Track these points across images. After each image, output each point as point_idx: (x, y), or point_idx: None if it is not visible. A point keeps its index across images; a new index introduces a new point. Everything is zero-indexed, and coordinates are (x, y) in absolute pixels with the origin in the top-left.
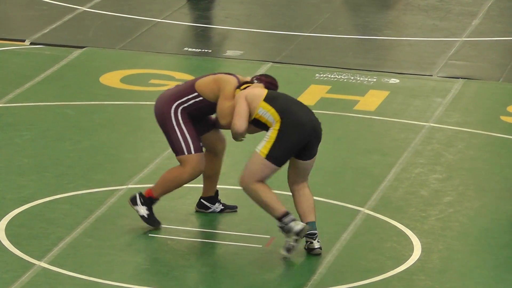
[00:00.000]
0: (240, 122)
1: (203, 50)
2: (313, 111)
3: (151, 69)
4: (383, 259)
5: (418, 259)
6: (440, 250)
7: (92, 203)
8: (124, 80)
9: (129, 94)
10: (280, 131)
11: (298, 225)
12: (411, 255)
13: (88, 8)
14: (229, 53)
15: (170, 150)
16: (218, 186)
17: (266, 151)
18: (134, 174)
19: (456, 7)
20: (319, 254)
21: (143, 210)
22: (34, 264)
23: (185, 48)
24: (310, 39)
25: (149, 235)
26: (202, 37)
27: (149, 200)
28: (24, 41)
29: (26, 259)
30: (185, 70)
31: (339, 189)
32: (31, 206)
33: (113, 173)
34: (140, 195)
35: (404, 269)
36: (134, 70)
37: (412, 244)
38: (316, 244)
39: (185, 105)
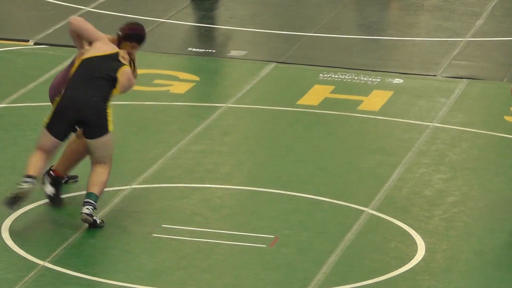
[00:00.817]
0: None
1: (207, 50)
2: (316, 111)
3: (155, 69)
4: (387, 259)
5: (422, 259)
6: (444, 250)
7: (98, 203)
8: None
9: (133, 94)
10: (58, 103)
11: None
12: (415, 255)
13: (92, 8)
14: (233, 53)
15: (174, 149)
16: (222, 186)
17: (47, 120)
18: (138, 174)
19: (460, 7)
20: (85, 220)
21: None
22: (38, 264)
23: (189, 48)
24: (314, 39)
25: (153, 235)
26: (206, 37)
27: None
28: (28, 41)
29: (30, 259)
30: (189, 70)
31: (343, 189)
32: (35, 206)
33: (117, 173)
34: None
35: (408, 269)
36: (138, 71)
37: (416, 244)
38: (85, 210)
39: None
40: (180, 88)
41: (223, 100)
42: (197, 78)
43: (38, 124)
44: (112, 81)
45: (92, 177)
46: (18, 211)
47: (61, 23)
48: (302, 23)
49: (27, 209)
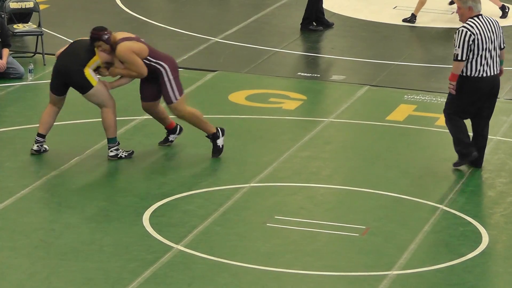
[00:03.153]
0: None
1: (313, 75)
2: (401, 125)
3: (271, 89)
4: (457, 246)
5: (487, 247)
6: (504, 240)
7: (221, 198)
8: (248, 98)
9: (252, 109)
10: None
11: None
12: (480, 244)
13: (220, 39)
14: (334, 77)
15: (285, 155)
16: (323, 186)
17: None
18: (255, 174)
19: None
20: (111, 159)
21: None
22: (173, 247)
23: (298, 73)
24: (401, 67)
25: (267, 224)
26: (312, 64)
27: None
28: None
29: (166, 243)
30: (298, 90)
31: (422, 189)
32: (171, 200)
33: (238, 174)
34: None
35: (475, 255)
36: (257, 90)
37: (481, 236)
38: (109, 153)
39: None
40: (291, 105)
41: (325, 116)
42: (304, 97)
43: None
44: None
45: (103, 124)
46: (157, 203)
47: (194, 51)
48: (391, 54)
49: (163, 202)
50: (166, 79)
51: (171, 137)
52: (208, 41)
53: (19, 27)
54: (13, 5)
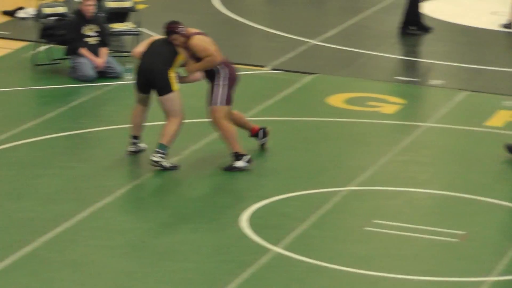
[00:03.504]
0: None
1: (411, 79)
2: (500, 131)
3: (369, 93)
4: None
5: None
6: None
7: (319, 201)
8: (347, 101)
9: (350, 113)
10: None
11: None
12: None
13: (318, 42)
14: (432, 82)
15: (383, 159)
16: (421, 190)
17: None
18: (354, 178)
19: None
20: (153, 165)
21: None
22: (270, 249)
23: (395, 77)
24: (499, 72)
25: (365, 228)
26: (410, 68)
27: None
28: (264, 66)
29: (264, 244)
30: (397, 94)
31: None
32: (269, 202)
33: (337, 177)
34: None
35: None
36: (355, 94)
37: None
38: (152, 157)
39: None
40: (389, 109)
41: (424, 120)
42: (403, 101)
43: (271, 135)
44: None
45: (162, 129)
46: (255, 205)
47: (293, 53)
48: (490, 59)
49: (262, 204)
50: (220, 82)
51: (259, 141)
52: (306, 44)
53: (117, 27)
54: (110, 4)
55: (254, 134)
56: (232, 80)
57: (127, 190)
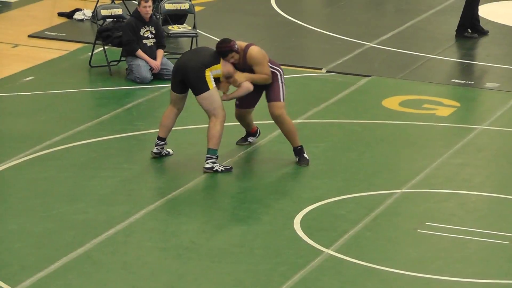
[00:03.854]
0: None
1: (467, 82)
2: None
3: (424, 95)
4: None
5: None
6: None
7: (373, 203)
8: (402, 104)
9: (405, 115)
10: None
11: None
12: None
13: (374, 44)
14: (488, 85)
15: (437, 162)
16: (475, 193)
17: None
18: (407, 180)
19: None
20: (206, 172)
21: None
22: (323, 251)
23: (452, 80)
24: None
25: (418, 230)
26: (466, 71)
27: None
28: (321, 69)
29: (317, 247)
30: (452, 97)
31: None
32: (322, 204)
33: (390, 179)
34: None
35: None
36: (411, 96)
37: None
38: (205, 165)
39: None
40: (444, 111)
41: (478, 123)
42: (458, 104)
43: (327, 137)
44: None
45: (207, 133)
46: (308, 207)
47: (349, 55)
48: None
49: (315, 206)
50: (280, 81)
51: (250, 139)
52: (363, 46)
53: (174, 29)
54: (168, 6)
55: (254, 132)
56: (283, 76)
57: (180, 192)
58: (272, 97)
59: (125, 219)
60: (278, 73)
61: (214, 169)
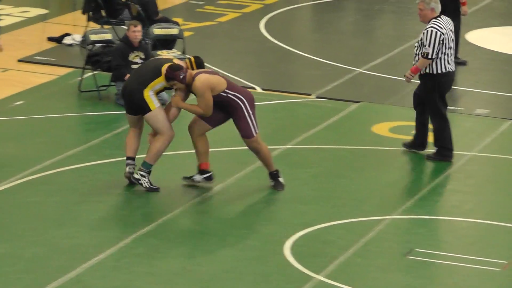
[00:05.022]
0: None
1: (456, 108)
2: None
3: (414, 121)
4: None
5: None
6: None
7: (362, 229)
8: (392, 130)
9: (395, 141)
10: None
11: None
12: None
13: (364, 70)
14: (478, 111)
15: (428, 187)
16: (465, 219)
17: None
18: (397, 206)
19: None
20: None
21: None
22: (313, 277)
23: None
24: None
25: (408, 257)
26: (455, 97)
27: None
28: (310, 95)
29: (307, 272)
30: None
31: None
32: (312, 230)
33: (380, 205)
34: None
35: None
36: (401, 122)
37: None
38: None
39: None
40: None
41: (468, 149)
42: None
43: (317, 163)
44: None
45: (149, 147)
46: (298, 233)
47: (338, 81)
48: None
49: (305, 232)
50: (245, 113)
51: (196, 177)
52: (353, 72)
53: (163, 54)
54: (157, 31)
55: (202, 170)
56: (252, 105)
57: (169, 217)
58: (244, 134)
59: (114, 244)
60: (241, 103)
61: (140, 181)
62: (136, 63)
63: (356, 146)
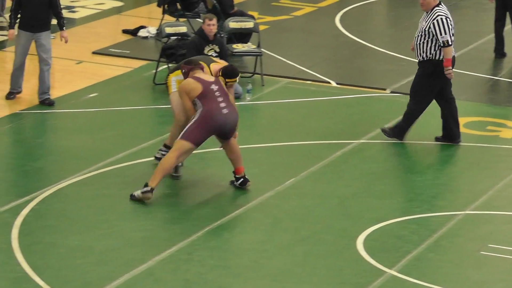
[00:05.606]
0: None
1: None
2: None
3: (489, 117)
4: None
5: None
6: None
7: (435, 224)
8: (466, 125)
9: (469, 137)
10: None
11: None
12: None
13: None
14: None
15: (500, 184)
16: None
17: None
18: (470, 202)
19: None
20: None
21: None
22: (385, 272)
23: None
24: None
25: (481, 252)
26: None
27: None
28: (385, 89)
29: (379, 267)
30: None
31: None
32: (385, 225)
33: (453, 201)
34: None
35: None
36: (475, 118)
37: None
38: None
39: None
40: (508, 133)
41: None
42: None
43: (387, 159)
44: None
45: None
46: (371, 227)
47: (413, 76)
48: None
49: (377, 226)
50: (193, 120)
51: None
52: None
53: (238, 47)
54: (233, 25)
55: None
56: (205, 124)
57: (242, 210)
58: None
59: (187, 237)
60: (198, 112)
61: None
62: (211, 56)
63: (430, 141)
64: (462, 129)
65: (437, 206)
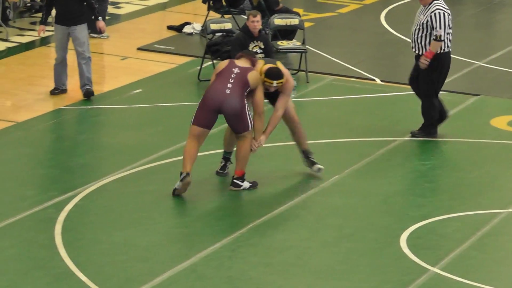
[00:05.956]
0: None
1: None
2: None
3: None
4: None
5: None
6: None
7: (479, 222)
8: (510, 123)
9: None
10: None
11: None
12: None
13: (483, 63)
14: None
15: None
16: None
17: None
18: None
19: None
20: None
21: (246, 183)
22: (428, 269)
23: None
24: None
25: None
26: None
27: (243, 176)
28: None
29: (422, 265)
30: None
31: None
32: (428, 222)
33: (497, 199)
34: (237, 179)
35: None
36: None
37: None
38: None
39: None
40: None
41: None
42: None
43: (435, 156)
44: None
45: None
46: (414, 225)
47: (458, 74)
48: None
49: (421, 224)
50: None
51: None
52: (472, 65)
53: (283, 44)
54: (277, 22)
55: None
56: (206, 97)
57: (285, 207)
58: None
59: (230, 233)
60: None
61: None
62: (256, 52)
63: (474, 139)
64: (506, 127)
65: (480, 204)
